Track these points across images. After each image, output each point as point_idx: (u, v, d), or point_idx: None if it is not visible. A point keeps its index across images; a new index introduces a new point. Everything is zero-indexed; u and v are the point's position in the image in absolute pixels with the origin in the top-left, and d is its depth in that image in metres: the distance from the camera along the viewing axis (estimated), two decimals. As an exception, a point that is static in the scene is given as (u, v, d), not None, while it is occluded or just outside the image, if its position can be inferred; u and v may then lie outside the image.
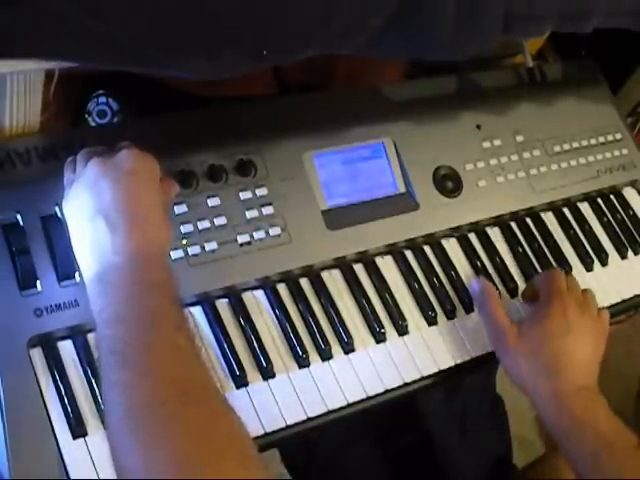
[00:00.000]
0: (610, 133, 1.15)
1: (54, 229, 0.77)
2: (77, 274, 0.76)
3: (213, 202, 0.86)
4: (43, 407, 0.72)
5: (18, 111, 0.78)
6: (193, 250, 0.83)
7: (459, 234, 1.00)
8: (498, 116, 1.07)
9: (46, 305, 0.76)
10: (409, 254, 0.96)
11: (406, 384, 0.87)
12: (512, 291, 0.98)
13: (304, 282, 0.89)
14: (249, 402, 0.80)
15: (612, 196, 1.13)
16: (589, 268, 1.05)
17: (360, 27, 0.75)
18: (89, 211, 0.70)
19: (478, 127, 1.05)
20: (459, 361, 0.91)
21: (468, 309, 0.95)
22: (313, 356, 0.85)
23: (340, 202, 0.93)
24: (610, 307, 1.02)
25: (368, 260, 0.93)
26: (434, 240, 0.98)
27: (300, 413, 0.81)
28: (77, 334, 0.77)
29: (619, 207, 1.13)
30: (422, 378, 0.88)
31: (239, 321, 0.84)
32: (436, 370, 0.89)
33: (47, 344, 0.75)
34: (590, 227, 1.08)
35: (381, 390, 0.86)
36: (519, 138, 1.07)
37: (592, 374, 0.86)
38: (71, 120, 1.03)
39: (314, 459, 1.10)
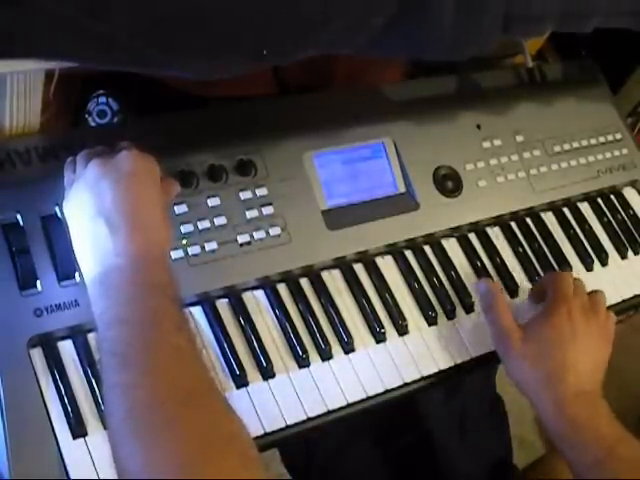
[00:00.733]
0: (610, 133, 1.15)
1: (54, 229, 0.77)
2: (77, 274, 0.76)
3: (213, 202, 0.86)
4: (43, 407, 0.72)
5: (18, 111, 0.78)
6: (193, 250, 0.83)
7: (459, 234, 1.00)
8: (498, 116, 1.07)
9: (46, 305, 0.76)
10: (409, 254, 0.96)
11: (406, 384, 0.87)
12: (512, 291, 0.98)
13: (304, 282, 0.89)
14: (249, 402, 0.80)
15: (612, 196, 1.13)
16: (589, 268, 1.05)
17: (360, 27, 0.75)
18: (90, 212, 0.70)
19: (478, 127, 1.05)
20: (459, 361, 0.91)
21: (468, 309, 0.95)
22: (313, 356, 0.85)
23: (340, 202, 0.93)
24: (610, 307, 1.01)
25: (368, 260, 0.93)
26: (434, 240, 0.98)
27: (300, 413, 0.81)
28: (77, 334, 0.77)
29: (619, 207, 1.13)
30: (422, 378, 0.88)
31: (239, 321, 0.84)
32: (436, 370, 0.89)
33: (47, 344, 0.75)
34: (590, 227, 1.08)
35: (381, 390, 0.86)
36: (519, 138, 1.07)
37: (596, 380, 0.86)
38: (71, 120, 1.03)
39: (314, 459, 1.10)
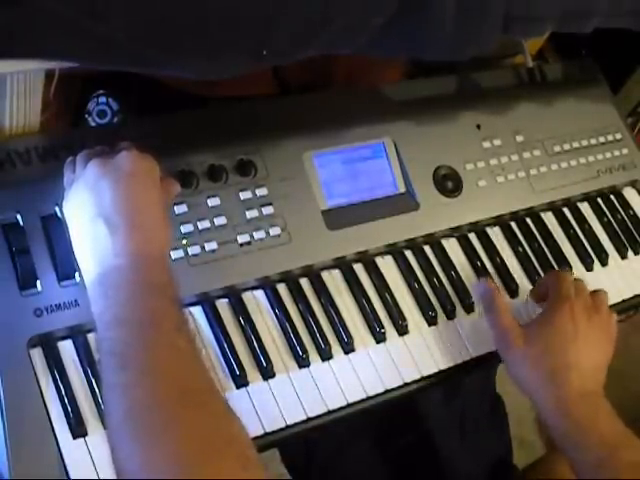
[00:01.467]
0: (610, 133, 1.15)
1: (54, 229, 0.77)
2: (77, 274, 0.76)
3: (213, 202, 0.86)
4: (43, 407, 0.72)
5: (18, 111, 0.78)
6: (193, 250, 0.83)
7: (459, 234, 1.00)
8: (498, 116, 1.07)
9: (46, 305, 0.76)
10: (409, 254, 0.96)
11: (406, 384, 0.87)
12: (512, 291, 0.98)
13: (304, 282, 0.89)
14: (249, 402, 0.80)
15: (612, 196, 1.13)
16: (589, 268, 1.05)
17: (360, 27, 0.75)
18: (89, 213, 0.70)
19: (478, 127, 1.05)
20: (459, 361, 0.91)
21: (468, 309, 0.95)
22: (313, 356, 0.85)
23: (340, 202, 0.93)
24: (610, 307, 1.01)
25: (368, 260, 0.93)
26: (434, 240, 0.98)
27: (300, 413, 0.81)
28: (77, 334, 0.77)
29: (619, 207, 1.13)
30: (422, 378, 0.88)
31: (239, 321, 0.84)
32: (436, 370, 0.89)
33: (47, 344, 0.75)
34: (590, 227, 1.08)
35: (381, 390, 0.86)
36: (519, 138, 1.07)
37: (598, 380, 0.86)
38: (71, 120, 1.03)
39: (314, 459, 1.10)
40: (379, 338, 0.89)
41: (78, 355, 0.76)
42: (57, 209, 0.78)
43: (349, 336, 0.87)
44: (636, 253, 1.10)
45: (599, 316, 0.89)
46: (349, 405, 0.84)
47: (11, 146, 0.80)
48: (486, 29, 0.83)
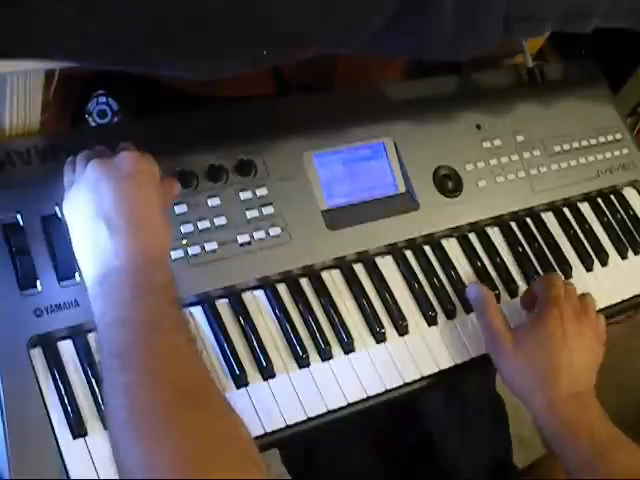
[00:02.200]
0: (610, 133, 1.15)
1: (54, 229, 0.77)
2: (77, 274, 0.76)
3: (213, 202, 0.86)
4: (43, 407, 0.72)
5: (18, 111, 0.78)
6: (193, 250, 0.83)
7: (459, 234, 1.00)
8: (498, 116, 1.07)
9: (46, 305, 0.76)
10: (409, 254, 0.96)
11: (406, 384, 0.87)
12: (512, 291, 0.98)
13: (304, 282, 0.89)
14: (249, 402, 0.80)
15: (612, 196, 1.13)
16: (589, 268, 1.05)
17: (360, 27, 0.75)
18: (89, 214, 0.70)
19: (478, 127, 1.05)
20: (459, 361, 0.91)
21: (468, 309, 0.94)
22: (313, 356, 0.85)
23: (340, 202, 0.93)
24: (610, 307, 1.02)
25: (368, 260, 0.93)
26: (434, 240, 0.98)
27: (300, 413, 0.81)
28: (77, 334, 0.77)
29: (619, 207, 1.13)
30: (422, 378, 0.88)
31: (239, 321, 0.84)
32: (436, 370, 0.89)
33: (47, 344, 0.75)
34: (590, 227, 1.08)
35: (381, 390, 0.86)
36: (519, 138, 1.07)
37: (588, 381, 0.86)
38: (71, 120, 1.03)
39: (314, 459, 1.10)
40: (379, 338, 0.89)
41: (78, 355, 0.76)
42: (57, 209, 0.78)
43: (349, 336, 0.87)
44: (636, 253, 1.10)
45: (588, 319, 0.89)
46: (349, 405, 0.84)
47: (11, 146, 0.79)
48: (486, 29, 0.83)
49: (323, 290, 0.89)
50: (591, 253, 1.06)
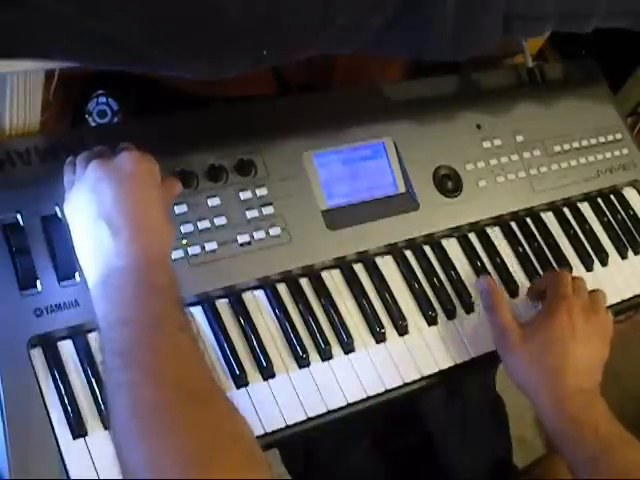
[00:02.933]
0: (610, 133, 1.15)
1: (54, 229, 0.77)
2: (77, 274, 0.76)
3: (213, 202, 0.86)
4: (43, 407, 0.72)
5: (18, 111, 0.78)
6: (193, 250, 0.83)
7: (459, 234, 1.00)
8: (498, 116, 1.07)
9: (46, 305, 0.76)
10: (409, 254, 0.96)
11: (406, 384, 0.87)
12: (512, 291, 0.98)
13: (304, 282, 0.89)
14: (249, 402, 0.80)
15: (612, 196, 1.13)
16: (589, 268, 1.05)
17: (360, 27, 0.75)
18: (91, 214, 0.70)
19: (478, 127, 1.05)
20: (459, 361, 0.91)
21: (468, 309, 0.95)
22: (313, 356, 0.85)
23: (340, 202, 0.93)
24: (610, 307, 1.01)
25: (368, 260, 0.93)
26: (434, 240, 0.98)
27: (300, 413, 0.81)
28: (77, 334, 0.77)
29: (619, 207, 1.13)
30: (422, 378, 0.88)
31: (239, 321, 0.84)
32: (436, 370, 0.89)
33: (47, 344, 0.75)
34: (590, 227, 1.08)
35: (381, 390, 0.86)
36: (519, 138, 1.07)
37: (594, 378, 0.86)
38: (71, 120, 1.03)
39: (314, 459, 1.10)
40: (379, 338, 0.89)
41: (78, 355, 0.76)
42: (57, 209, 0.78)
43: (349, 336, 0.87)
44: (636, 253, 1.10)
45: (597, 316, 0.89)
46: (349, 405, 0.84)
47: (11, 146, 0.79)
48: (486, 29, 0.83)
49: (323, 290, 0.89)
50: (591, 253, 1.06)
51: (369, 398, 0.85)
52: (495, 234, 1.02)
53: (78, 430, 0.72)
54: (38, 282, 0.76)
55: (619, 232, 1.10)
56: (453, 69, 1.09)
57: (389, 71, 1.17)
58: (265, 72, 1.04)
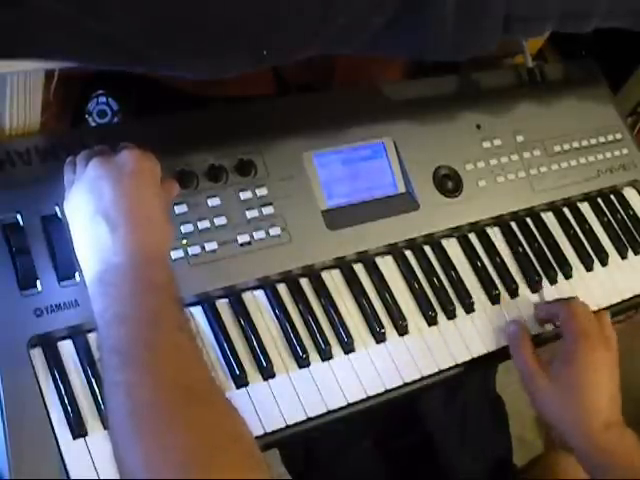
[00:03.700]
0: (610, 133, 1.15)
1: (54, 229, 0.77)
2: (77, 274, 0.76)
3: (213, 202, 0.86)
4: (43, 407, 0.72)
5: (18, 111, 0.78)
6: (193, 250, 0.83)
7: (459, 234, 1.00)
8: (498, 116, 1.07)
9: (46, 305, 0.76)
10: (409, 254, 0.96)
11: (406, 384, 0.87)
12: (512, 291, 0.98)
13: (304, 282, 0.89)
14: (249, 402, 0.80)
15: (612, 196, 1.13)
16: (589, 268, 1.05)
17: (360, 27, 0.75)
18: (90, 212, 0.70)
19: (478, 127, 1.05)
20: (459, 361, 0.91)
21: (468, 309, 0.95)
22: (313, 356, 0.85)
23: (340, 202, 0.93)
24: (610, 307, 1.02)
25: (368, 260, 0.93)
26: (434, 240, 0.98)
27: (300, 413, 0.81)
28: (77, 334, 0.77)
29: (619, 207, 1.13)
30: (422, 378, 0.88)
31: (239, 321, 0.84)
32: (436, 370, 0.89)
33: (47, 344, 0.75)
34: (590, 227, 1.08)
35: (381, 390, 0.86)
36: (519, 138, 1.07)
37: (617, 409, 0.88)
38: (71, 120, 1.03)
39: (314, 459, 1.10)
40: (379, 338, 0.89)
41: (78, 355, 0.76)
42: (57, 209, 0.78)
43: (349, 336, 0.87)
44: (636, 253, 1.10)
45: (610, 342, 0.90)
46: (349, 405, 0.84)
47: (11, 146, 0.79)
48: (486, 29, 0.83)
49: (323, 290, 0.89)
50: (591, 253, 1.06)
51: (369, 398, 0.85)
52: (495, 234, 1.02)
53: (78, 430, 0.72)
54: (38, 282, 0.76)
55: (619, 232, 1.10)
56: (453, 69, 1.09)
57: (389, 71, 1.17)
58: (265, 72, 1.04)
